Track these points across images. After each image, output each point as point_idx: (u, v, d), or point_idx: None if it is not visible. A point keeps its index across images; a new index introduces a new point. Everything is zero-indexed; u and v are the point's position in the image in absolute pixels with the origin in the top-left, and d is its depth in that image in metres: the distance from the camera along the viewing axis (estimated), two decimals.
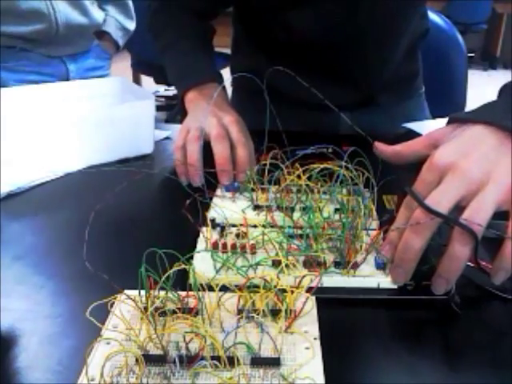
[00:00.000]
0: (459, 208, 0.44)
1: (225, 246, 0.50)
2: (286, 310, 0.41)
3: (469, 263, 0.48)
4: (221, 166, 0.62)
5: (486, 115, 0.47)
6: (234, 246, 0.50)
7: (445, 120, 0.52)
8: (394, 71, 0.91)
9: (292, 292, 0.41)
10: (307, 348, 0.39)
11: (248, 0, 0.84)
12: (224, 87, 0.78)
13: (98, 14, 1.58)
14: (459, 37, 1.11)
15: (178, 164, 0.66)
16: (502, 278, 0.43)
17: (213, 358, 0.36)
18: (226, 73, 1.00)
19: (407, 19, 0.85)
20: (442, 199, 0.43)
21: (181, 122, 0.74)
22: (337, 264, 0.48)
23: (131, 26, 1.72)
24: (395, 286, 0.47)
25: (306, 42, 0.84)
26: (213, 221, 0.54)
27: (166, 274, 0.40)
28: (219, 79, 0.80)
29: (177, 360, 0.36)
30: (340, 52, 0.84)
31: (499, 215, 0.57)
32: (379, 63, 0.88)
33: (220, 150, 0.64)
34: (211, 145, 0.64)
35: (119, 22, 1.66)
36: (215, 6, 0.91)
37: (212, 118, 0.68)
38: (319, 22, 0.81)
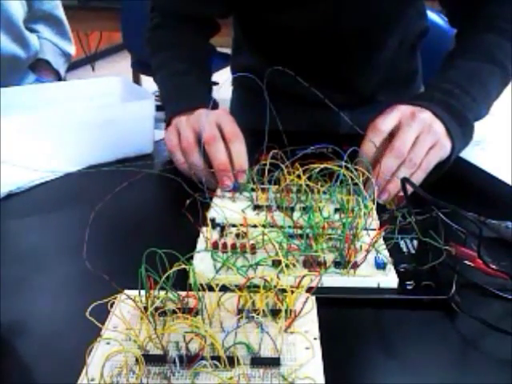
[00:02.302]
0: None
1: (225, 246, 0.50)
2: (286, 310, 0.41)
3: (469, 263, 0.48)
4: (221, 170, 0.62)
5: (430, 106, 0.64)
6: (233, 246, 0.50)
7: None
8: (392, 70, 0.91)
9: (292, 292, 0.41)
10: (307, 348, 0.39)
11: (246, 1, 0.84)
12: (217, 105, 0.75)
13: (35, 41, 1.20)
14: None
15: (182, 165, 0.66)
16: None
17: (213, 357, 0.36)
18: (226, 72, 1.00)
19: (392, 20, 0.84)
20: (407, 139, 0.59)
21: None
22: (337, 264, 0.48)
23: (71, 49, 1.31)
24: (395, 286, 0.47)
25: (301, 42, 0.84)
26: (213, 221, 0.54)
27: (166, 274, 0.40)
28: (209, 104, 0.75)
29: (177, 360, 0.36)
30: (330, 52, 0.85)
31: (499, 215, 0.57)
32: (366, 63, 0.88)
33: (217, 155, 0.63)
34: (205, 148, 0.63)
35: (57, 47, 1.26)
36: (219, 13, 0.89)
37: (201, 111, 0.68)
38: (308, 23, 0.81)
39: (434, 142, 0.61)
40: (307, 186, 0.57)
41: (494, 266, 0.47)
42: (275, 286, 0.41)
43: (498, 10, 0.73)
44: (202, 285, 0.42)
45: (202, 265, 0.48)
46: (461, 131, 0.64)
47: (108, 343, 0.39)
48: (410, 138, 0.60)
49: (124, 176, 0.63)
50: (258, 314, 0.40)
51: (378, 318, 0.45)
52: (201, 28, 0.87)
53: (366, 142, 0.61)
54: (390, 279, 0.47)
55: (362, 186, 0.56)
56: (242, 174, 0.62)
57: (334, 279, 0.47)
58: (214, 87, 0.95)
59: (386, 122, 0.61)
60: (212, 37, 0.90)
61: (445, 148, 0.62)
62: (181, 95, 0.76)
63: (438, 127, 0.62)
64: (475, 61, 0.70)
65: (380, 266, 0.48)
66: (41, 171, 0.68)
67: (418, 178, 0.60)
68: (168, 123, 0.73)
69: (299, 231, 0.52)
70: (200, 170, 0.63)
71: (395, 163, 0.59)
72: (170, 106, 0.74)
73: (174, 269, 0.41)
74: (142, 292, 0.41)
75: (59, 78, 1.25)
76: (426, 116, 0.62)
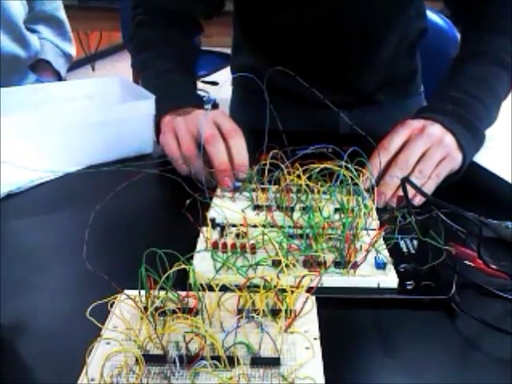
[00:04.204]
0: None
1: (225, 245, 0.50)
2: (286, 310, 0.41)
3: (469, 263, 0.48)
4: (221, 171, 0.61)
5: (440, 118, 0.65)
6: (233, 246, 0.50)
7: None
8: (392, 70, 0.91)
9: (292, 292, 0.41)
10: (307, 348, 0.39)
11: (246, 1, 0.84)
12: (217, 106, 0.74)
13: (35, 41, 1.20)
14: (459, 37, 1.11)
15: (182, 167, 0.66)
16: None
17: (213, 357, 0.36)
18: (226, 72, 1.00)
19: (392, 20, 0.84)
20: (412, 153, 0.61)
21: (157, 142, 0.72)
22: (337, 264, 0.48)
23: (71, 49, 1.30)
24: (395, 286, 0.47)
25: (300, 42, 0.84)
26: (213, 221, 0.54)
27: (166, 274, 0.40)
28: (200, 103, 0.75)
29: (177, 360, 0.36)
30: (330, 52, 0.85)
31: (499, 215, 0.57)
32: (365, 63, 0.88)
33: (217, 154, 0.62)
34: (205, 147, 0.63)
35: (58, 47, 1.26)
36: (204, 13, 0.89)
37: (198, 111, 0.67)
38: (308, 23, 0.81)
39: (444, 154, 0.62)
40: (307, 185, 0.57)
41: (494, 266, 0.47)
42: (275, 286, 0.41)
43: (502, 10, 0.74)
44: (202, 285, 0.42)
45: (202, 265, 0.48)
46: (472, 141, 0.65)
47: (108, 343, 0.39)
48: (416, 152, 0.61)
49: (124, 176, 0.63)
50: (257, 314, 0.40)
51: (378, 318, 0.45)
52: (185, 27, 0.86)
53: (373, 160, 0.61)
54: (390, 279, 0.47)
55: (362, 186, 0.56)
56: (243, 169, 0.62)
57: (334, 279, 0.47)
58: (214, 87, 0.95)
59: (394, 142, 0.62)
60: (195, 37, 0.90)
61: (456, 160, 0.63)
62: (170, 94, 0.75)
63: (449, 140, 0.63)
64: (483, 65, 0.71)
65: (380, 266, 0.48)
66: (41, 171, 0.68)
67: (428, 188, 0.61)
68: (158, 122, 0.72)
69: (299, 231, 0.52)
70: (201, 171, 0.63)
71: (398, 175, 0.60)
72: (159, 105, 0.74)
73: (174, 269, 0.41)
74: (142, 292, 0.41)
75: (60, 79, 1.26)
76: (435, 130, 0.63)
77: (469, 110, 0.66)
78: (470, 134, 0.65)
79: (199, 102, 0.75)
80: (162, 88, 0.76)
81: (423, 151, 0.61)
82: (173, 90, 0.76)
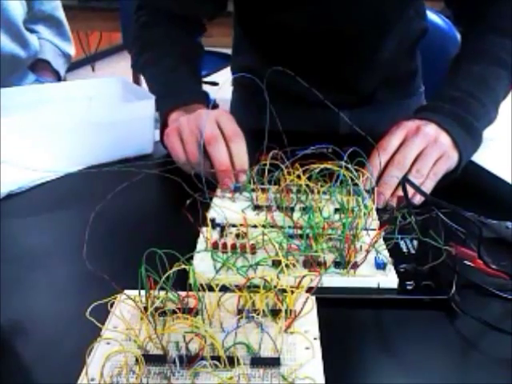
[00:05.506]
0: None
1: (225, 245, 0.50)
2: (286, 310, 0.41)
3: (469, 263, 0.48)
4: (222, 172, 0.61)
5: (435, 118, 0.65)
6: (233, 246, 0.50)
7: None
8: (392, 70, 0.91)
9: (292, 292, 0.41)
10: (307, 348, 0.39)
11: (247, 1, 0.84)
12: (217, 106, 0.74)
13: (34, 41, 1.20)
14: (459, 37, 1.11)
15: (186, 167, 0.66)
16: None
17: (213, 358, 0.36)
18: (226, 73, 1.00)
19: (392, 21, 0.84)
20: (408, 153, 0.61)
21: (161, 141, 0.72)
22: (337, 264, 0.48)
23: (71, 49, 1.31)
24: (395, 286, 0.47)
25: (300, 42, 0.84)
26: (213, 221, 0.54)
27: (166, 274, 0.40)
28: (206, 100, 0.75)
29: (177, 360, 0.36)
30: (330, 52, 0.85)
31: (499, 215, 0.57)
32: (366, 63, 0.88)
33: (218, 155, 0.62)
34: (206, 147, 0.63)
35: (57, 47, 1.26)
36: (208, 14, 0.90)
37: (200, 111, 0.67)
38: (308, 23, 0.81)
39: (440, 153, 0.62)
40: (307, 186, 0.57)
41: (494, 266, 0.47)
42: (275, 286, 0.41)
43: (504, 10, 0.74)
44: (202, 285, 0.42)
45: (202, 265, 0.48)
46: (469, 140, 0.65)
47: (108, 343, 0.39)
48: (413, 152, 0.61)
49: (124, 176, 0.63)
50: (258, 314, 0.40)
51: (378, 318, 0.45)
52: (190, 27, 0.87)
53: (373, 160, 0.61)
54: (390, 279, 0.47)
55: (362, 186, 0.56)
56: (242, 174, 0.62)
57: (333, 279, 0.47)
58: (214, 87, 0.95)
59: (391, 142, 0.62)
60: (198, 37, 0.90)
61: (452, 159, 0.63)
62: (176, 90, 0.76)
63: (444, 139, 0.63)
64: (482, 64, 0.71)
65: (380, 266, 0.48)
66: (41, 171, 0.68)
67: (427, 187, 0.61)
68: (165, 119, 0.72)
69: (299, 231, 0.52)
70: (204, 172, 0.62)
71: (396, 174, 0.60)
72: (165, 103, 0.74)
73: (174, 269, 0.41)
74: (142, 292, 0.41)
75: (59, 79, 1.26)
76: (430, 130, 0.63)
77: (466, 110, 0.67)
78: (467, 133, 0.65)
79: (205, 99, 0.76)
80: (168, 85, 0.77)
81: (419, 150, 0.61)
82: (179, 86, 0.77)
